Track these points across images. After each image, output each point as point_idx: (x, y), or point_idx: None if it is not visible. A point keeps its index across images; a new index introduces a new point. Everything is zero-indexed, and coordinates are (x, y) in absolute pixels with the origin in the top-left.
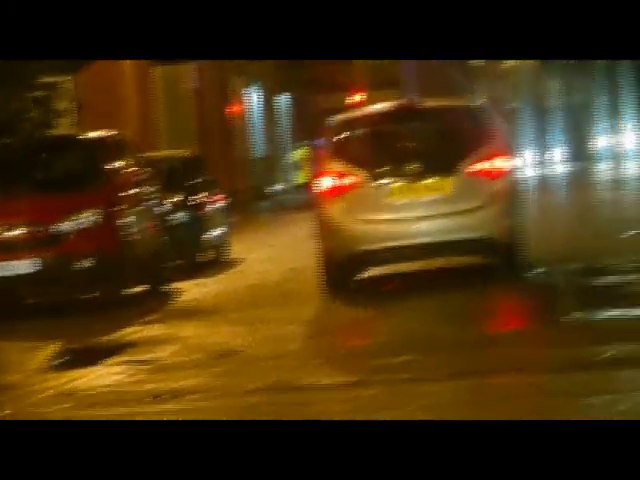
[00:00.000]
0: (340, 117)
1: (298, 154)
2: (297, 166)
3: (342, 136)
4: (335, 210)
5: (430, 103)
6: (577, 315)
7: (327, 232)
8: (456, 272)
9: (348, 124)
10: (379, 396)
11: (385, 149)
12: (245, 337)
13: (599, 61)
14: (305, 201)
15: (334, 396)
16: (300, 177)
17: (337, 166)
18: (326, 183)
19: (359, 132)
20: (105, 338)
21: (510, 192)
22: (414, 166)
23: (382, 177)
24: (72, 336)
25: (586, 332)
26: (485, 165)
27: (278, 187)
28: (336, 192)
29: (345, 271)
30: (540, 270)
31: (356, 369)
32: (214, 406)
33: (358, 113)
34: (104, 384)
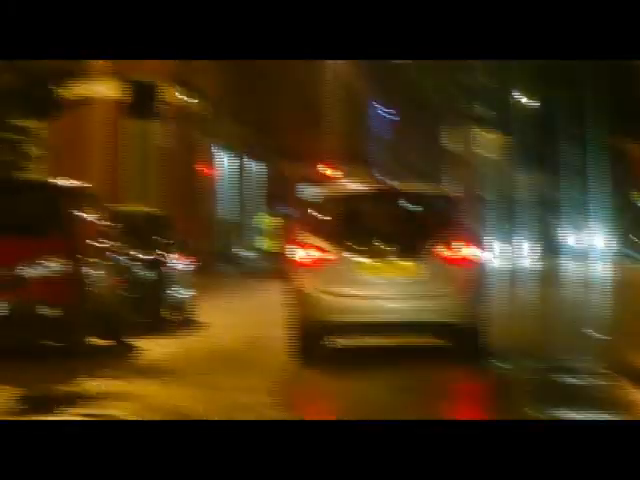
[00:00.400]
0: (318, 190)
1: (265, 221)
2: (264, 233)
3: (318, 209)
4: (306, 280)
5: (406, 188)
6: (527, 410)
7: (298, 300)
8: (418, 350)
9: (326, 198)
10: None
11: (360, 227)
12: (200, 403)
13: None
14: (271, 269)
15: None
16: (266, 244)
17: (311, 238)
18: (300, 254)
19: (335, 207)
20: (58, 388)
21: (477, 280)
22: (386, 246)
23: (354, 253)
24: (28, 383)
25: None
26: (455, 252)
27: (245, 252)
28: (309, 263)
29: (314, 339)
30: (498, 359)
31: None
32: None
33: (335, 189)
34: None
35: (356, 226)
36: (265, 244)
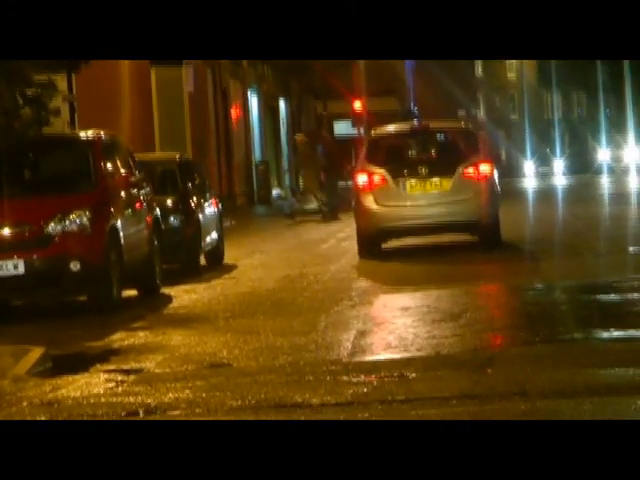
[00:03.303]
0: (373, 133)
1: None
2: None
3: (373, 146)
4: (367, 198)
5: (436, 125)
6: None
7: (362, 213)
8: (451, 245)
9: (378, 138)
10: (373, 419)
11: (403, 157)
12: (234, 349)
13: None
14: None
15: (323, 418)
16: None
17: (370, 167)
18: (362, 179)
19: (385, 144)
20: (91, 344)
21: (490, 189)
22: (423, 169)
23: (400, 176)
24: (57, 342)
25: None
26: (473, 170)
27: (282, 193)
28: (368, 186)
29: (374, 241)
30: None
31: (348, 389)
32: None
33: (385, 131)
34: (85, 395)
35: (400, 156)
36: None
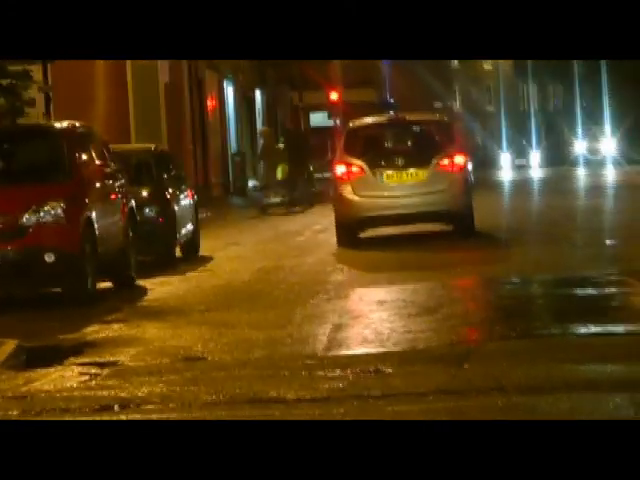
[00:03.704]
0: (350, 125)
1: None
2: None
3: (351, 137)
4: (345, 188)
5: (412, 117)
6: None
7: (340, 203)
8: (426, 234)
9: (356, 130)
10: (349, 415)
11: (380, 148)
12: (209, 342)
13: None
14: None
15: (298, 413)
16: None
17: (348, 158)
18: (340, 170)
19: (363, 135)
20: (65, 337)
21: (464, 180)
22: (400, 160)
23: (378, 167)
24: (32, 334)
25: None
26: (448, 161)
27: (258, 184)
28: (346, 176)
29: (352, 230)
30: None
31: (324, 383)
32: (166, 419)
33: (363, 122)
34: (58, 388)
35: (377, 148)
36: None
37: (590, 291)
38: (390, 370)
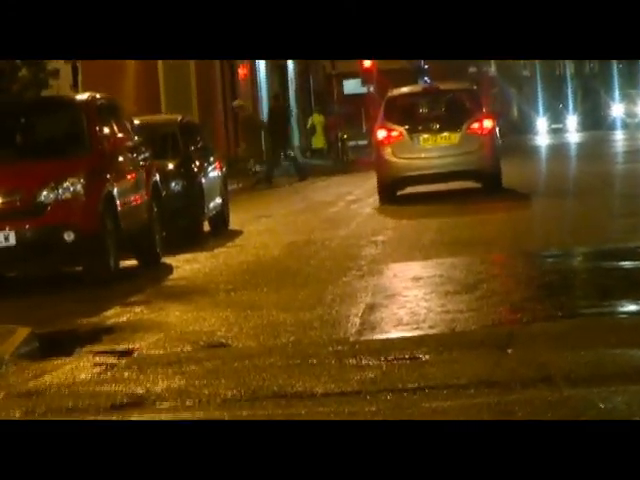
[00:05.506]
0: (389, 94)
1: (315, 119)
2: (315, 131)
3: (390, 105)
4: (386, 151)
5: (444, 86)
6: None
7: (381, 165)
8: (460, 191)
9: (394, 98)
10: (381, 414)
11: (417, 114)
12: (233, 326)
13: None
14: (322, 167)
15: (324, 411)
16: (317, 142)
17: (388, 124)
18: (381, 134)
19: (401, 103)
20: (83, 321)
21: (492, 142)
22: (434, 125)
23: (415, 132)
24: (48, 318)
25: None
26: (478, 125)
27: (294, 154)
28: (387, 140)
29: (392, 189)
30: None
31: (355, 374)
32: (179, 419)
33: (400, 92)
34: (69, 382)
35: (414, 114)
36: (316, 142)
37: (638, 263)
38: (427, 357)
